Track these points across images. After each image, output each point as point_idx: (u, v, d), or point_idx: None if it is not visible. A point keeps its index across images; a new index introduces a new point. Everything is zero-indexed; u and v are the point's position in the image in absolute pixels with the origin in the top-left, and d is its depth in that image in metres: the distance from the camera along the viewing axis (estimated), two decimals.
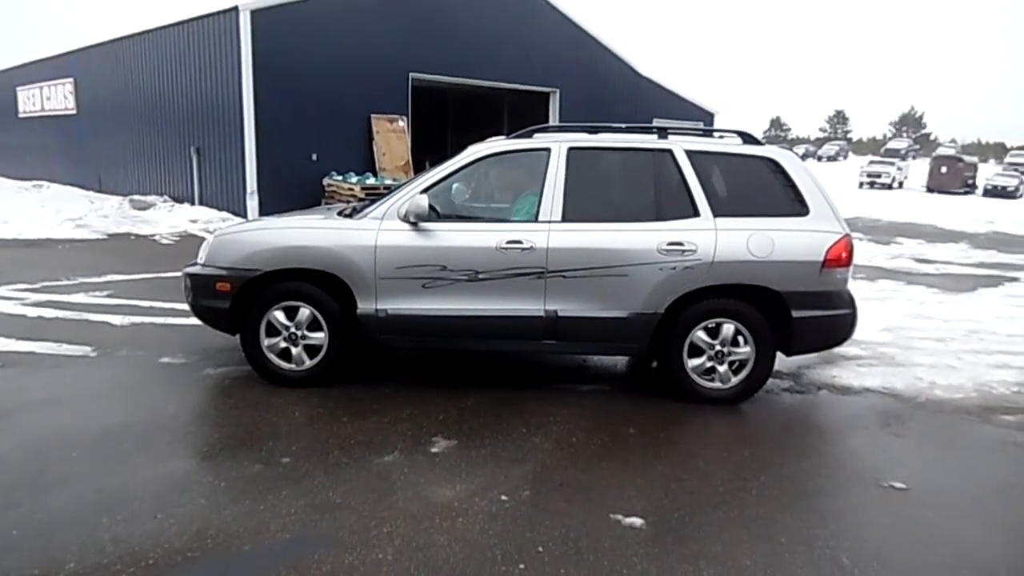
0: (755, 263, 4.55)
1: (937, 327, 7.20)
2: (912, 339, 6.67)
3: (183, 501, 3.31)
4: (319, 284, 4.73)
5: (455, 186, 5.12)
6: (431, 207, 4.63)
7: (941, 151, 49.50)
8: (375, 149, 14.99)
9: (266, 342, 4.80)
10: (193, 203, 14.80)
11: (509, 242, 4.59)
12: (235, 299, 4.75)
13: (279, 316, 4.76)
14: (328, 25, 14.30)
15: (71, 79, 19.48)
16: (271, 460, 3.77)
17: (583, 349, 5.13)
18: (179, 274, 5.13)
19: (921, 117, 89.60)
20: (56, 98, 20.42)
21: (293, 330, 4.77)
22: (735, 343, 4.69)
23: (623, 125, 5.10)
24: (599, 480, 3.70)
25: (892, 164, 39.73)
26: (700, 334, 4.69)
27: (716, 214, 4.62)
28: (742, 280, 4.60)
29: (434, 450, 3.98)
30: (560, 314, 4.62)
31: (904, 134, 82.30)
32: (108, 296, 7.41)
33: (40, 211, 14.42)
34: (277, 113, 13.63)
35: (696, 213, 4.62)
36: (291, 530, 3.12)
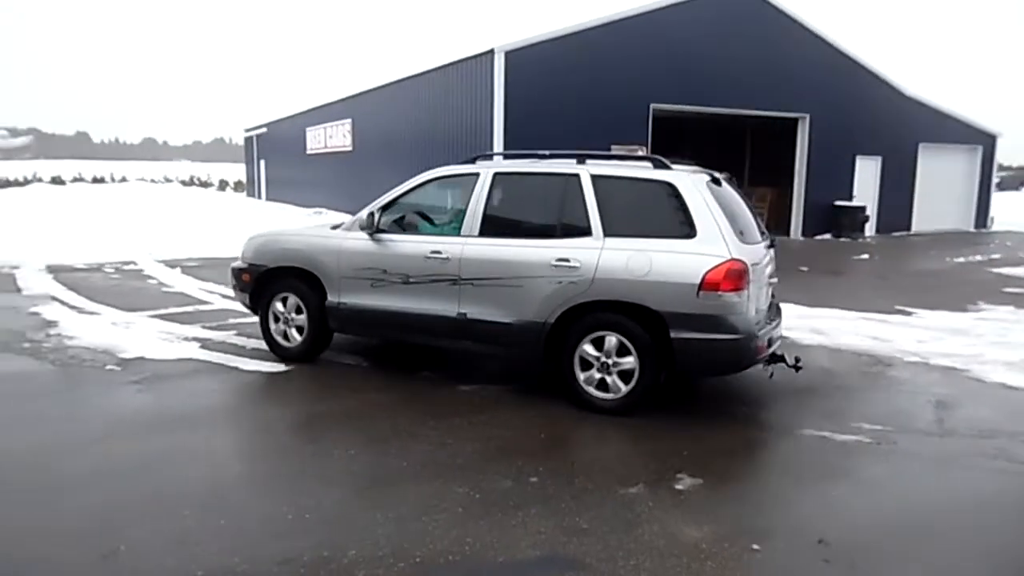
0: (631, 282, 4.72)
1: None
2: None
3: (444, 507, 3.55)
4: (304, 280, 5.87)
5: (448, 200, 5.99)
6: (393, 220, 5.67)
7: None
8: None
9: (272, 324, 6.08)
10: None
11: (432, 252, 5.35)
12: (254, 287, 6.08)
13: (278, 305, 6.01)
14: (573, 60, 14.87)
15: (349, 120, 22.28)
16: (519, 478, 3.92)
17: (489, 350, 5.47)
18: None
19: None
20: (337, 137, 23.47)
21: (287, 315, 5.99)
22: (621, 356, 4.82)
23: (546, 152, 5.57)
24: (870, 542, 3.35)
25: None
26: (588, 346, 4.91)
27: (607, 234, 4.89)
28: (620, 297, 4.78)
29: (679, 487, 3.87)
30: (469, 316, 5.22)
31: None
32: None
33: None
34: (524, 144, 14.39)
35: (589, 232, 4.93)
36: (541, 548, 3.21)
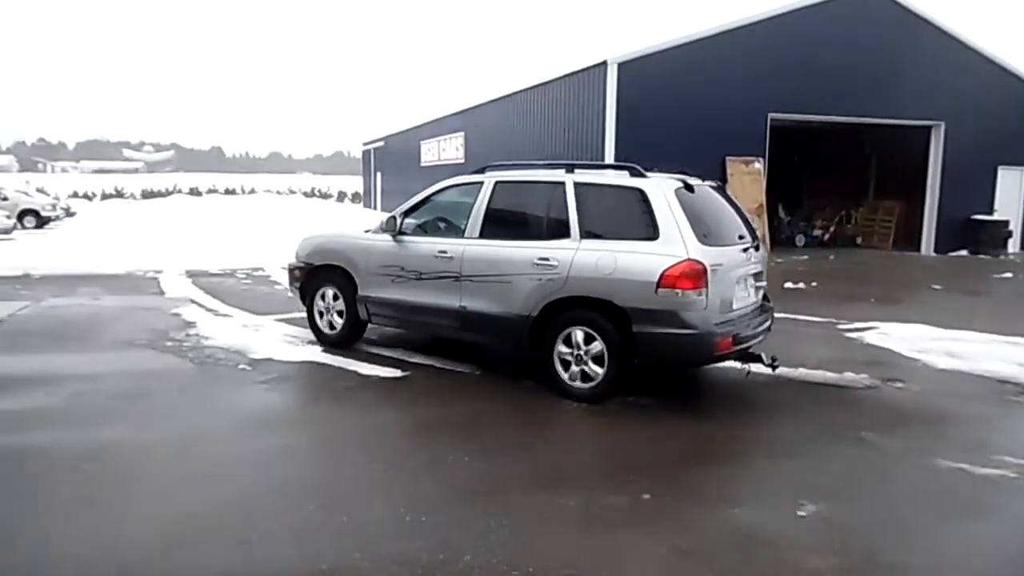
0: (599, 279, 5.13)
1: None
2: None
3: (556, 519, 3.56)
4: (342, 275, 6.67)
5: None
6: (414, 223, 6.36)
7: None
8: (727, 191, 14.78)
9: (316, 313, 6.98)
10: None
11: (439, 252, 5.99)
12: (304, 281, 7.01)
13: (322, 296, 6.86)
14: (687, 70, 14.62)
15: (462, 133, 22.83)
16: (633, 495, 3.85)
17: (485, 340, 6.22)
18: None
19: None
20: (449, 149, 24.11)
21: (328, 306, 6.85)
22: (592, 348, 5.20)
23: (541, 162, 6.10)
24: None
25: None
26: (567, 337, 5.31)
27: (583, 236, 5.33)
28: (590, 293, 5.19)
29: (802, 513, 3.70)
30: (468, 309, 5.81)
31: None
32: None
33: None
34: (633, 155, 14.24)
35: (568, 235, 5.37)
36: (654, 569, 3.15)
